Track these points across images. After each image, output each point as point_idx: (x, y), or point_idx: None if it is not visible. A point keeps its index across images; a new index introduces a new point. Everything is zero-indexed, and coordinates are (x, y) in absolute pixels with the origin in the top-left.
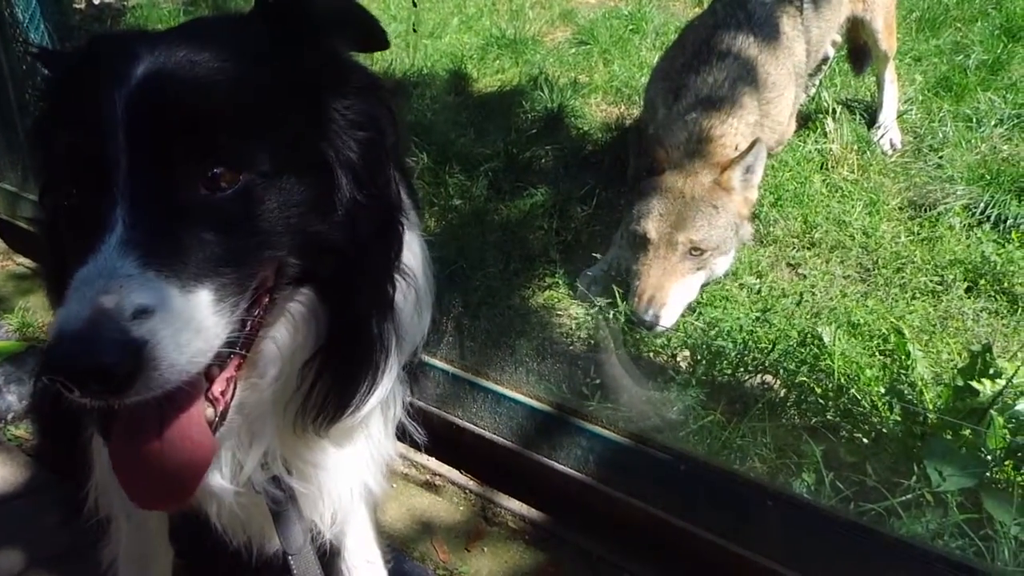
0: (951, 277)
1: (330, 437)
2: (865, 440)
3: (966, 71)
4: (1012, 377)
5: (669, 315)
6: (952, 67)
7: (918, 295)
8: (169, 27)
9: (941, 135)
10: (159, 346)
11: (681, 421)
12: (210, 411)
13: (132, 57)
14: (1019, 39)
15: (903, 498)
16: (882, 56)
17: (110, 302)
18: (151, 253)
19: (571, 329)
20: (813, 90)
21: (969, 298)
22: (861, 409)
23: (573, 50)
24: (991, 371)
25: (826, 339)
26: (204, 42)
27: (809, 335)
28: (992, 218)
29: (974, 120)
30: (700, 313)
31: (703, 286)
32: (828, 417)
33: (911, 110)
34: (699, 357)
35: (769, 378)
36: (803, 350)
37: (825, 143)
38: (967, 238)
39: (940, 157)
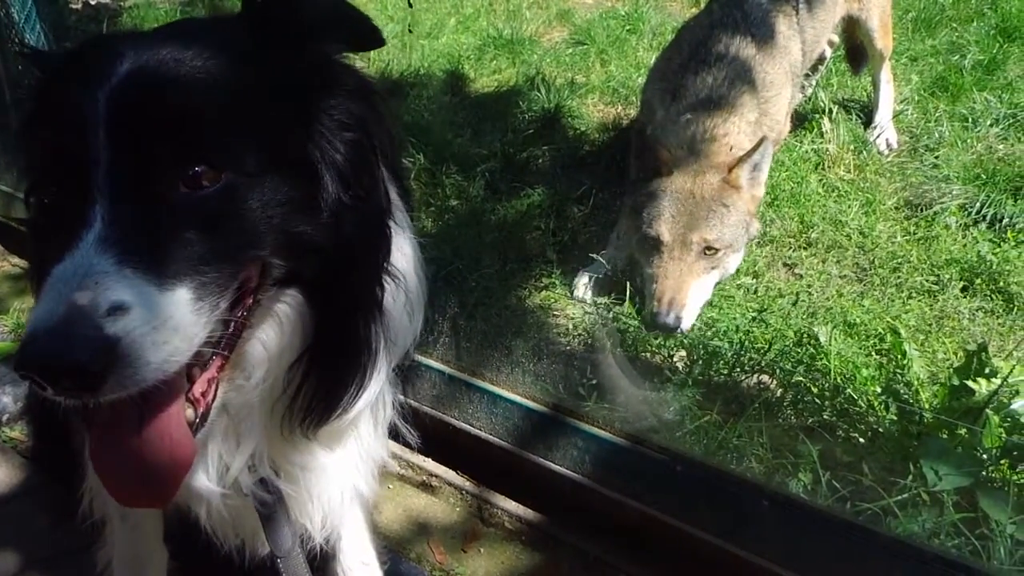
0: (947, 277)
1: (318, 440)
2: (861, 440)
3: (962, 71)
4: (1008, 376)
5: (689, 316)
6: (948, 67)
7: (914, 295)
8: (155, 27)
9: (937, 135)
10: (134, 344)
11: (678, 421)
12: (190, 412)
13: (115, 56)
14: (1015, 39)
15: (899, 497)
16: (878, 56)
17: (84, 299)
18: (129, 250)
19: (567, 329)
20: (810, 90)
21: (965, 297)
22: (857, 409)
23: (570, 50)
24: (987, 370)
25: (822, 339)
26: (189, 41)
27: (805, 335)
28: (988, 218)
29: (970, 120)
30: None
31: (716, 285)
32: (824, 417)
33: (907, 110)
34: (695, 357)
35: (765, 378)
36: (799, 350)
37: (821, 143)
38: (963, 238)
39: (936, 157)
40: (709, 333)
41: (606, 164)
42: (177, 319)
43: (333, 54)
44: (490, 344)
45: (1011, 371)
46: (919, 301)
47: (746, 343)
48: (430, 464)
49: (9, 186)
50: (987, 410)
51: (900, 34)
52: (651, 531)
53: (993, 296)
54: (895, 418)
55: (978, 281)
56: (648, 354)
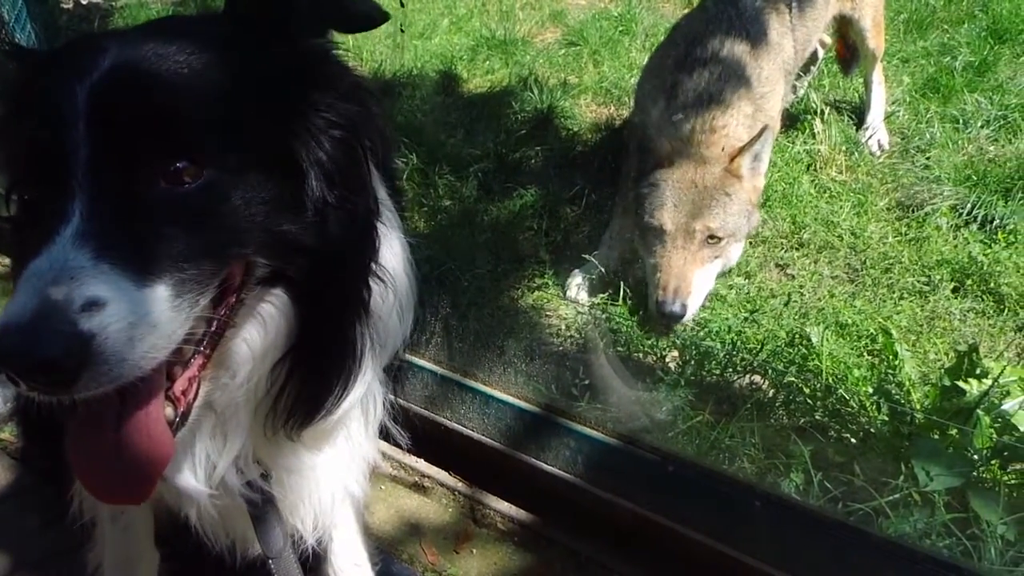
0: (938, 277)
1: (304, 441)
2: (853, 440)
3: (953, 72)
4: (998, 377)
5: (694, 304)
6: (939, 68)
7: (905, 295)
8: (140, 24)
9: (928, 136)
10: (109, 340)
11: (670, 422)
12: (170, 410)
13: (97, 51)
14: (1005, 41)
15: (891, 498)
16: (870, 56)
17: (59, 293)
18: (107, 246)
19: (560, 330)
20: (802, 91)
21: (956, 298)
22: (849, 409)
23: (563, 51)
24: (977, 371)
25: (814, 339)
26: (172, 37)
27: (797, 335)
28: (979, 219)
29: (961, 121)
30: None
31: (719, 275)
32: (816, 417)
33: (899, 111)
34: (688, 358)
35: (757, 378)
36: (791, 350)
37: (813, 144)
38: (954, 239)
39: (927, 158)
40: (702, 334)
41: (599, 164)
42: (155, 316)
43: (324, 49)
44: (483, 344)
45: (1002, 372)
46: (910, 302)
47: (738, 343)
48: (422, 465)
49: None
50: (978, 411)
51: (892, 35)
52: (643, 531)
53: (984, 297)
54: (886, 418)
55: (969, 282)
56: (641, 354)
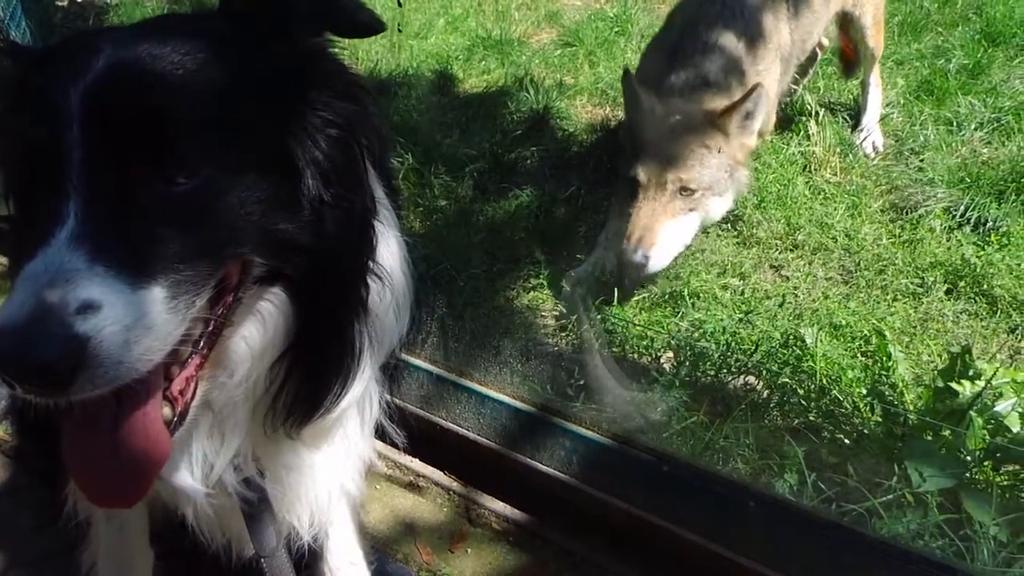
0: (932, 279)
1: (302, 439)
2: (847, 441)
3: (947, 75)
4: (991, 378)
5: (660, 255)
6: (933, 71)
7: (899, 297)
8: (135, 21)
9: (922, 138)
10: (104, 342)
11: (664, 422)
12: (168, 410)
13: (92, 50)
14: (999, 44)
15: (884, 498)
16: (869, 55)
17: (54, 296)
18: (102, 247)
19: (555, 330)
20: (798, 92)
21: (949, 300)
22: (843, 410)
23: (559, 52)
24: (970, 372)
25: (808, 340)
26: (168, 36)
27: (792, 336)
28: (972, 221)
29: (955, 124)
30: (683, 314)
31: (700, 229)
32: (810, 418)
33: (893, 113)
34: (682, 358)
35: (752, 379)
36: (786, 351)
37: (808, 146)
38: (947, 240)
39: (921, 160)
40: (696, 334)
41: (594, 165)
42: (151, 317)
43: (321, 48)
44: (478, 344)
45: (994, 373)
46: (904, 303)
47: (733, 344)
48: (417, 464)
49: None
50: (971, 412)
51: (886, 38)
52: (638, 531)
53: (977, 299)
54: (880, 419)
55: (962, 284)
56: (636, 355)
